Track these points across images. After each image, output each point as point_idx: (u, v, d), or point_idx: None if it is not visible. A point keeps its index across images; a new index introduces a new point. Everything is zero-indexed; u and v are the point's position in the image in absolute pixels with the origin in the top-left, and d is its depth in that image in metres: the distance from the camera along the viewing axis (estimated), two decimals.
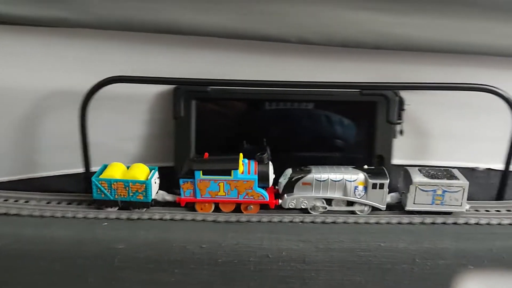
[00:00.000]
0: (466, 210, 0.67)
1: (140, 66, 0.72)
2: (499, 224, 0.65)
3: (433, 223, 0.66)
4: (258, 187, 0.67)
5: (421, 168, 0.69)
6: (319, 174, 0.67)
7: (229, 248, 0.63)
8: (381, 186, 0.67)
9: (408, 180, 0.67)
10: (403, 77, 0.71)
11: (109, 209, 0.69)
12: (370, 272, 0.63)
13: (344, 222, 0.66)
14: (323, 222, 0.66)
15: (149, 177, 0.68)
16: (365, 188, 0.67)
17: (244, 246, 0.63)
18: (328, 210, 0.68)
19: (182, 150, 0.74)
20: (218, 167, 0.67)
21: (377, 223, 0.66)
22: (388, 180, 0.67)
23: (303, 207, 0.68)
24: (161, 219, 0.66)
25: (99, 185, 0.67)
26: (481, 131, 0.75)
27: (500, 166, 0.71)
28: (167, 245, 0.64)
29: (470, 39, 0.68)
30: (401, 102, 0.72)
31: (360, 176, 0.67)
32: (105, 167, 0.70)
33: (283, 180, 0.68)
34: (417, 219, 0.66)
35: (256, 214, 0.68)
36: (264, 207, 0.69)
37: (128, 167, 0.70)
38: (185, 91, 0.72)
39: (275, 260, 0.63)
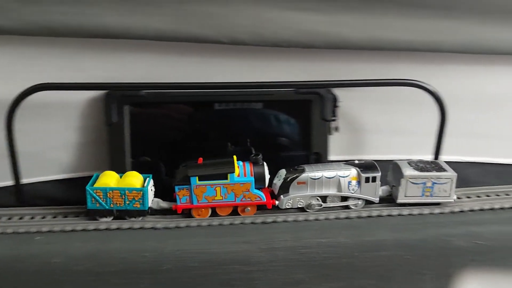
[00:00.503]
0: (454, 200, 0.70)
1: (70, 72, 0.70)
2: (431, 213, 0.68)
3: (369, 216, 0.68)
4: (255, 188, 0.67)
5: (410, 161, 0.71)
6: (313, 172, 0.68)
7: (172, 255, 0.62)
8: (374, 179, 0.68)
9: (398, 174, 0.69)
10: (336, 75, 0.73)
11: (104, 219, 0.66)
12: (312, 268, 0.64)
13: (285, 221, 0.67)
14: (264, 223, 0.66)
15: (145, 185, 0.66)
16: (358, 182, 0.68)
17: (187, 251, 0.63)
18: (323, 208, 0.69)
19: (117, 157, 0.72)
20: (214, 171, 0.66)
21: (322, 219, 0.67)
22: (380, 173, 0.68)
23: (299, 206, 0.69)
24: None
25: (94, 194, 0.65)
26: (412, 124, 0.78)
27: (430, 157, 0.75)
28: (107, 256, 0.62)
29: (399, 36, 0.70)
30: (335, 100, 0.73)
31: (353, 171, 0.69)
32: (97, 176, 0.67)
33: (277, 181, 0.69)
34: (353, 213, 0.68)
35: (203, 218, 0.68)
36: (259, 208, 0.69)
37: (121, 176, 0.68)
38: (118, 96, 0.71)
39: (219, 263, 0.63)
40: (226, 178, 0.66)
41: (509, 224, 0.68)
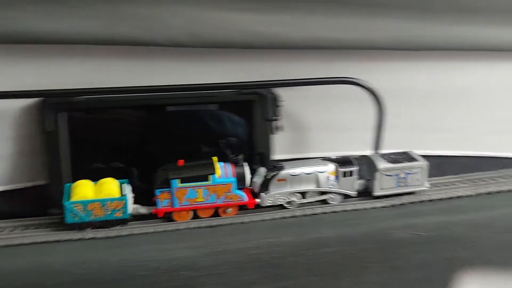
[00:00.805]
0: (427, 188, 0.71)
1: (1, 80, 0.66)
2: (373, 208, 0.70)
3: (314, 214, 0.69)
4: (236, 188, 0.66)
5: (383, 154, 0.72)
6: (292, 169, 0.68)
7: (115, 264, 0.61)
8: (351, 173, 0.70)
9: (372, 167, 0.70)
10: (277, 75, 0.73)
11: (84, 231, 0.63)
12: (260, 269, 0.64)
13: (231, 224, 0.66)
14: (209, 226, 0.66)
15: (125, 192, 0.64)
16: (336, 177, 0.69)
17: (130, 260, 0.61)
18: (303, 203, 0.70)
19: (54, 167, 0.69)
20: (195, 173, 0.65)
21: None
22: (357, 168, 0.70)
23: (280, 203, 0.69)
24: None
25: (74, 209, 0.62)
26: (353, 120, 0.79)
27: (370, 152, 0.76)
28: (47, 270, 0.60)
29: (338, 35, 0.71)
30: (277, 99, 0.74)
31: (330, 166, 0.69)
32: (69, 187, 0.64)
33: (258, 179, 0.68)
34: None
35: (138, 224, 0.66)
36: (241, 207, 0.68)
37: (95, 183, 0.65)
38: (53, 103, 0.68)
39: (163, 271, 0.62)
40: (208, 180, 0.65)
41: (445, 215, 0.70)
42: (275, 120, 0.74)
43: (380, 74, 0.76)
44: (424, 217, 0.69)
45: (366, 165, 0.72)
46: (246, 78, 0.72)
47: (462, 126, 0.83)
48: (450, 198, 0.72)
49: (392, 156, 0.72)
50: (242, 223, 0.66)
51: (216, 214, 0.68)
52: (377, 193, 0.70)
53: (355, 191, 0.71)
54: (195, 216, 0.67)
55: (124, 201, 0.63)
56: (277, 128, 0.74)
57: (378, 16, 0.71)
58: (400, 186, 0.71)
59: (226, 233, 0.65)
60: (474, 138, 0.84)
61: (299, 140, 0.79)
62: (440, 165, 0.82)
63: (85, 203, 0.62)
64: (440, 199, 0.71)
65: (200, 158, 0.68)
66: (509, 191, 0.74)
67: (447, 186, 0.76)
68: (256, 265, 0.63)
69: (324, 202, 0.70)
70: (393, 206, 0.70)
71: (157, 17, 0.66)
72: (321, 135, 0.79)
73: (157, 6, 0.65)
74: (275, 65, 0.74)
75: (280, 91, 0.73)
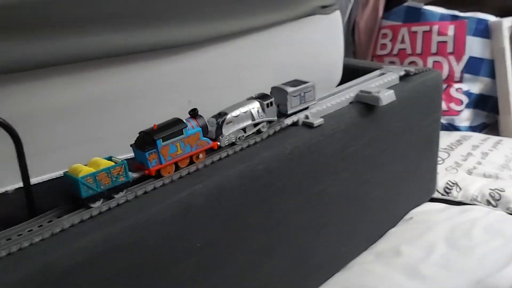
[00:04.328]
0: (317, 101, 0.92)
1: None
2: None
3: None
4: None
5: (284, 83, 0.89)
6: (233, 112, 0.83)
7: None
8: (271, 103, 0.87)
9: (282, 93, 0.88)
10: None
11: (97, 203, 0.70)
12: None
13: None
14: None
15: (119, 159, 0.72)
16: (263, 110, 0.86)
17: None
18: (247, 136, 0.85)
19: None
20: (173, 130, 0.76)
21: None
22: (273, 98, 0.87)
23: (232, 141, 0.84)
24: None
25: (86, 183, 0.68)
26: None
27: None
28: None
29: None
30: None
31: (256, 103, 0.86)
32: (66, 173, 0.69)
33: (212, 128, 0.82)
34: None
35: None
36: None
37: (85, 164, 0.71)
38: None
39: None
40: (183, 133, 0.77)
41: None
42: None
43: None
44: None
45: (275, 94, 0.90)
46: None
47: None
48: None
49: (291, 83, 0.90)
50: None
51: (191, 162, 0.80)
52: (289, 111, 0.90)
53: (276, 116, 0.89)
54: (177, 168, 0.78)
55: (124, 166, 0.72)
56: None
57: None
58: (301, 103, 0.91)
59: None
60: None
61: None
62: None
63: (94, 174, 0.69)
64: None
65: None
66: None
67: None
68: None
69: (258, 131, 0.87)
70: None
71: None
72: None
73: None
74: None
75: None
